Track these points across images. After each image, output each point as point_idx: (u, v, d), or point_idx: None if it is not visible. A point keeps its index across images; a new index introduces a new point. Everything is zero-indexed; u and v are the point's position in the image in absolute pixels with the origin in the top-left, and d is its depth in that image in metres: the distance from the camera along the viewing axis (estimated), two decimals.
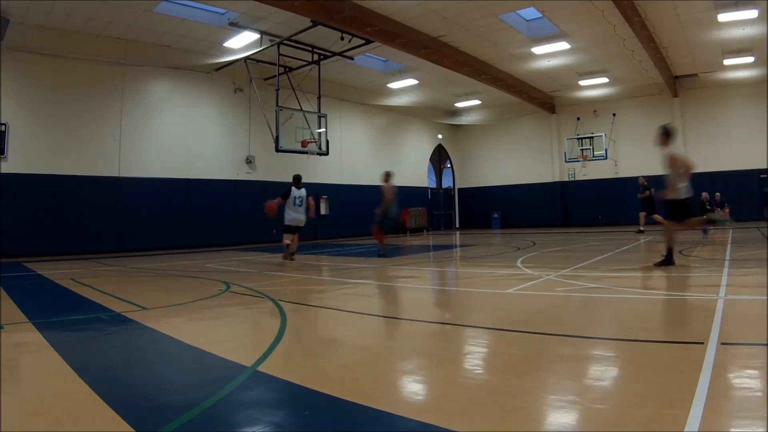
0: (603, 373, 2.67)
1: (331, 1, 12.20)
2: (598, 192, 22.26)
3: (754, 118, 18.83)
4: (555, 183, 23.85)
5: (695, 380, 2.27)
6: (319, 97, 15.99)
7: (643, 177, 15.35)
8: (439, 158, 27.04)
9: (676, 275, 6.43)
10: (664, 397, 2.14)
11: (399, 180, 22.86)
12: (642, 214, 15.15)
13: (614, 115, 22.06)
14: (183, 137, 15.55)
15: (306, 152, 15.28)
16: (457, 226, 27.17)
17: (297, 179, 10.05)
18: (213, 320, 4.47)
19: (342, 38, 13.35)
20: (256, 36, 13.93)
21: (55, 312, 5.04)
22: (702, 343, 2.93)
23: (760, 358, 2.70)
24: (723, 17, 13.37)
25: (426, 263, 10.02)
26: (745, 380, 2.40)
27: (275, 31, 13.83)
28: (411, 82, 19.28)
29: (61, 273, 8.49)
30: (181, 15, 12.83)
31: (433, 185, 26.80)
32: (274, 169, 17.09)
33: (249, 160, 17.18)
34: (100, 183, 13.68)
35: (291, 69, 15.92)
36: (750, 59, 17.04)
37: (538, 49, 16.15)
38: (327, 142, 15.61)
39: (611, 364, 2.84)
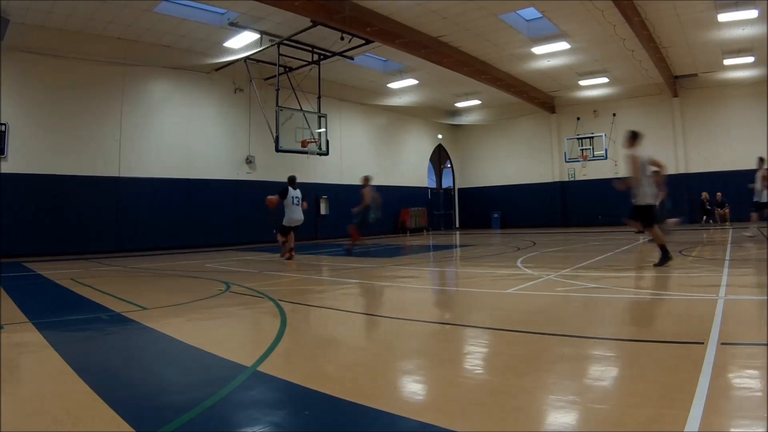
0: (603, 373, 2.67)
1: (331, 1, 12.20)
2: (598, 192, 22.22)
3: (754, 118, 18.82)
4: (555, 183, 23.85)
5: (695, 380, 2.27)
6: (319, 97, 15.98)
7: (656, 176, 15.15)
8: (439, 158, 27.04)
9: (676, 275, 6.43)
10: (664, 397, 2.14)
11: (399, 180, 23.14)
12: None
13: (614, 115, 22.05)
14: (183, 137, 15.55)
15: (306, 152, 15.28)
16: (457, 226, 27.17)
17: (292, 180, 10.47)
18: (213, 320, 4.47)
19: (342, 38, 13.35)
20: (256, 36, 13.93)
21: (55, 312, 5.04)
22: (702, 343, 2.93)
23: (760, 358, 2.70)
24: (723, 17, 13.37)
25: (426, 263, 10.02)
26: (745, 380, 2.40)
27: (275, 31, 13.83)
28: (411, 82, 19.28)
29: (61, 273, 8.49)
30: (181, 15, 12.83)
31: (433, 185, 26.80)
32: (274, 169, 17.08)
33: (249, 160, 17.18)
34: (100, 183, 13.68)
35: (291, 69, 15.91)
36: (750, 59, 17.04)
37: (538, 49, 16.15)
38: (327, 142, 15.60)
39: (611, 364, 2.85)
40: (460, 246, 14.33)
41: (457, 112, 25.21)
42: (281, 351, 3.21)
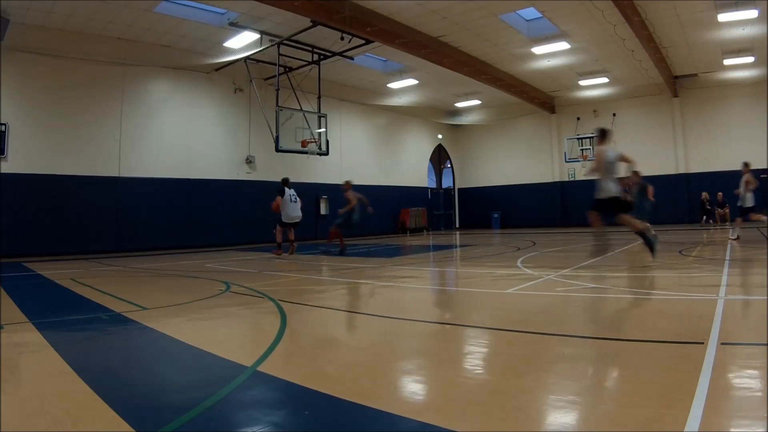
0: (603, 373, 2.67)
1: (331, 1, 12.20)
2: None
3: (754, 118, 18.82)
4: (555, 183, 23.85)
5: (695, 380, 2.27)
6: (319, 97, 15.99)
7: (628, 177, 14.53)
8: (439, 158, 27.04)
9: (676, 275, 6.44)
10: (664, 397, 2.14)
11: (399, 180, 23.17)
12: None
13: (614, 115, 22.05)
14: (183, 137, 15.55)
15: (306, 152, 15.29)
16: (457, 226, 27.17)
17: (285, 180, 11.43)
18: (213, 320, 4.47)
19: (342, 38, 13.35)
20: (256, 36, 13.93)
21: (55, 312, 5.04)
22: (702, 343, 2.92)
23: (760, 358, 2.70)
24: (723, 17, 13.37)
25: (426, 263, 10.02)
26: (745, 380, 2.40)
27: (275, 31, 13.83)
28: (411, 82, 19.28)
29: (61, 273, 8.49)
30: (181, 15, 12.83)
31: (433, 185, 26.81)
32: (274, 169, 17.08)
33: (249, 160, 17.18)
34: (100, 183, 13.68)
35: (291, 69, 15.92)
36: (750, 59, 17.04)
37: (538, 49, 16.15)
38: (327, 142, 15.61)
39: (611, 364, 2.84)
40: (460, 246, 14.33)
41: (457, 112, 25.21)
42: (281, 351, 3.21)
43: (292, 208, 11.01)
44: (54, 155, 12.93)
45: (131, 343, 3.64)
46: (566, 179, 23.64)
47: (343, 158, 20.28)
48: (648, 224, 11.93)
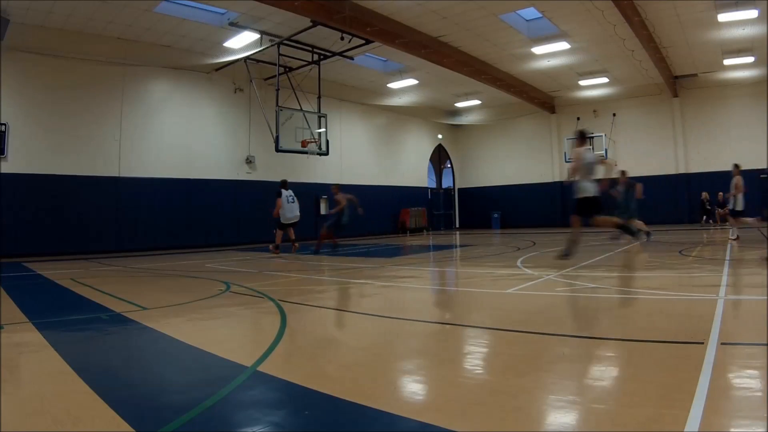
0: (603, 373, 2.67)
1: (331, 1, 12.20)
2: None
3: (754, 118, 18.82)
4: (555, 183, 23.83)
5: (695, 380, 2.27)
6: (319, 97, 15.99)
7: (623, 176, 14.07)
8: (439, 158, 27.04)
9: (676, 275, 6.44)
10: (664, 397, 2.14)
11: (399, 180, 23.17)
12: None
13: (614, 115, 22.06)
14: (183, 137, 15.55)
15: (306, 152, 15.30)
16: (457, 226, 27.17)
17: (284, 182, 12.09)
18: (213, 320, 4.47)
19: (342, 38, 13.35)
20: (256, 36, 13.93)
21: (55, 312, 5.04)
22: (702, 343, 2.93)
23: (760, 358, 2.70)
24: (723, 17, 13.37)
25: (426, 263, 10.02)
26: (745, 380, 2.40)
27: (275, 31, 13.83)
28: (411, 82, 19.28)
29: (61, 273, 8.49)
30: (181, 15, 12.83)
31: (433, 185, 26.81)
32: (274, 169, 17.09)
33: (249, 160, 17.18)
34: (100, 183, 13.68)
35: (291, 69, 15.91)
36: (750, 59, 17.04)
37: (538, 49, 16.15)
38: (327, 142, 15.62)
39: (611, 364, 2.84)
40: (460, 246, 14.32)
41: (457, 112, 25.21)
42: (281, 351, 3.21)
43: (290, 209, 11.58)
44: (54, 155, 12.93)
45: (131, 343, 3.64)
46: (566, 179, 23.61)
47: (343, 158, 20.28)
48: (642, 222, 11.99)
